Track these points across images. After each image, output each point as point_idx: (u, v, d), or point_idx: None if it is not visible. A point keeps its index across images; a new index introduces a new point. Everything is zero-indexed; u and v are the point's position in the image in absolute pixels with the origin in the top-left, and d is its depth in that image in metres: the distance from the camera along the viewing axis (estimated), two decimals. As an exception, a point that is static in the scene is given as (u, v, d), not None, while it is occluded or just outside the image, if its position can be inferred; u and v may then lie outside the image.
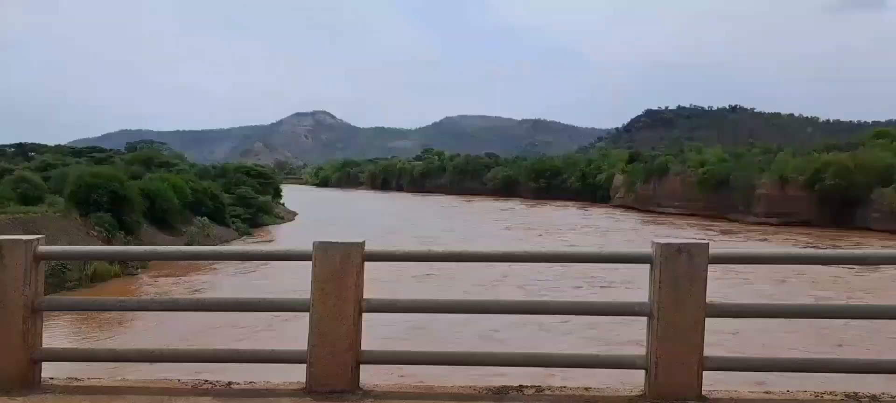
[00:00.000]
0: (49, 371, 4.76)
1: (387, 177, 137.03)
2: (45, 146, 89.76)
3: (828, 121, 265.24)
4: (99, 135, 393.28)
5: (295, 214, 66.65)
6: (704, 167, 64.33)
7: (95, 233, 29.35)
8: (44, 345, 4.62)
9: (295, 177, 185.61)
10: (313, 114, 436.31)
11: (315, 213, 68.70)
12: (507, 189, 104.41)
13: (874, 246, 36.19)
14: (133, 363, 7.22)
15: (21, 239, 4.28)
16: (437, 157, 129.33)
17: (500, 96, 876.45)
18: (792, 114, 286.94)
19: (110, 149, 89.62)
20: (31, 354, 4.34)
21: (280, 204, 69.65)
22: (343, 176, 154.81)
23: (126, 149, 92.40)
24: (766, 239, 44.06)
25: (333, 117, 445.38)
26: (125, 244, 30.05)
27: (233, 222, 45.58)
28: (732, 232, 48.74)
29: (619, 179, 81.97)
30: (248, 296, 7.46)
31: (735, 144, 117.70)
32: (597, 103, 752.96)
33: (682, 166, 68.86)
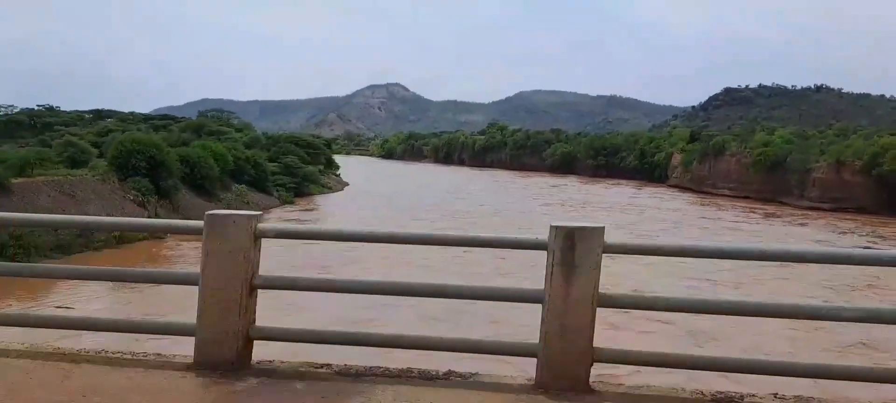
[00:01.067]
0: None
1: (449, 151, 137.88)
2: (120, 112, 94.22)
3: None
4: (183, 103, 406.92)
5: (346, 185, 68.33)
6: (762, 148, 62.26)
7: (131, 197, 31.20)
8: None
9: (362, 148, 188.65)
10: (387, 86, 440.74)
11: (368, 185, 70.27)
12: (565, 165, 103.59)
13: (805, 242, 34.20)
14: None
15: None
16: (499, 132, 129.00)
17: (576, 71, 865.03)
18: (883, 96, 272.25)
19: (182, 117, 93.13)
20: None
21: (334, 174, 71.48)
22: (408, 148, 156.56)
23: (197, 117, 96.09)
24: (803, 224, 42.74)
25: (406, 89, 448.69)
26: (159, 207, 31.86)
27: (277, 190, 47.31)
28: (775, 217, 47.40)
29: (676, 159, 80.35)
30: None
31: (817, 126, 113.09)
32: (677, 80, 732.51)
33: (738, 147, 66.86)
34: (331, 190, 57.85)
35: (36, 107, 76.31)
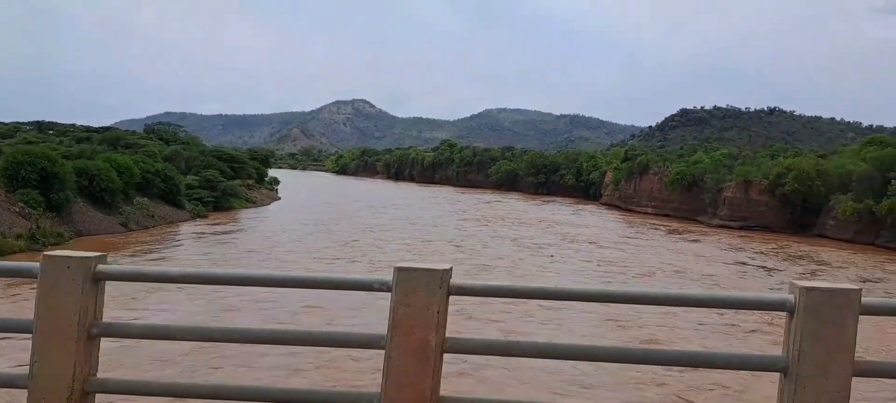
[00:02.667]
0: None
1: (400, 167, 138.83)
2: (61, 124, 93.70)
3: (871, 126, 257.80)
4: (144, 116, 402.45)
5: (277, 199, 68.92)
6: (680, 168, 64.21)
7: (16, 209, 31.51)
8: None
9: (319, 163, 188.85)
10: (352, 102, 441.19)
11: (301, 199, 70.88)
12: (509, 183, 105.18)
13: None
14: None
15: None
16: (448, 149, 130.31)
17: (540, 91, 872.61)
18: (833, 119, 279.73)
19: (133, 131, 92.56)
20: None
21: (266, 188, 72.00)
22: (361, 164, 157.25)
23: (144, 131, 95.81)
24: (697, 240, 44.35)
25: (372, 106, 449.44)
26: (45, 220, 32.17)
27: (192, 204, 47.72)
28: (677, 233, 49.01)
29: (609, 177, 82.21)
30: None
31: (764, 146, 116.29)
32: (638, 100, 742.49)
33: (660, 167, 68.80)
34: (255, 204, 58.34)
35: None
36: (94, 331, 3.90)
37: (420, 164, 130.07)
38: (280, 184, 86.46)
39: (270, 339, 4.38)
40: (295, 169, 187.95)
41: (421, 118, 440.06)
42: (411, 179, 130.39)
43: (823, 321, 3.40)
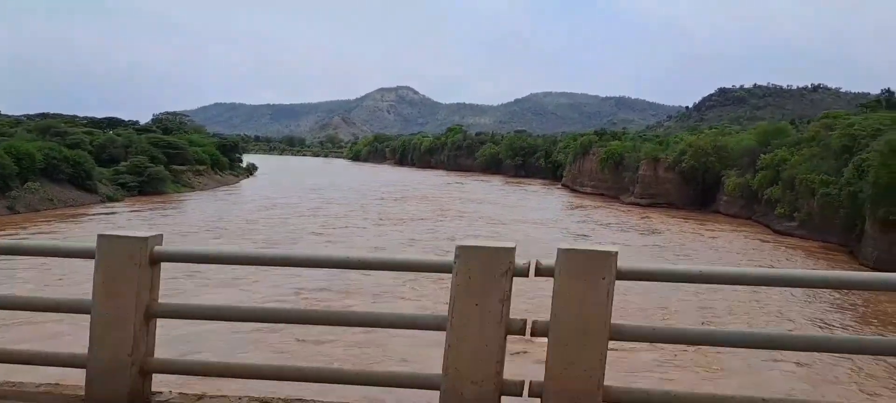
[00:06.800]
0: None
1: (404, 153, 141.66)
2: (61, 116, 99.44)
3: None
4: (196, 107, 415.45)
5: (235, 185, 72.65)
6: (608, 148, 64.97)
7: None
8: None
9: (339, 151, 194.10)
10: (396, 89, 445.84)
11: (266, 186, 74.11)
12: (493, 166, 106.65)
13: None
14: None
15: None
16: (452, 134, 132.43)
17: (586, 73, 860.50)
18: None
19: (75, 117, 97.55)
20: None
21: (229, 174, 75.81)
22: (372, 151, 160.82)
23: (152, 122, 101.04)
24: (584, 220, 45.72)
25: (416, 92, 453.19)
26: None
27: (116, 188, 51.60)
28: (580, 208, 50.36)
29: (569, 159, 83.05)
30: None
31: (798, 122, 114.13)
32: (688, 81, 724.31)
33: (598, 147, 69.57)
34: (194, 189, 61.85)
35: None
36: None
37: (418, 150, 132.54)
38: (257, 170, 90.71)
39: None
40: (317, 156, 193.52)
41: (464, 104, 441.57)
42: (412, 164, 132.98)
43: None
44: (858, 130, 34.22)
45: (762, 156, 44.52)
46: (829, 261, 31.39)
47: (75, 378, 4.01)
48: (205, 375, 4.30)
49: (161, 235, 3.90)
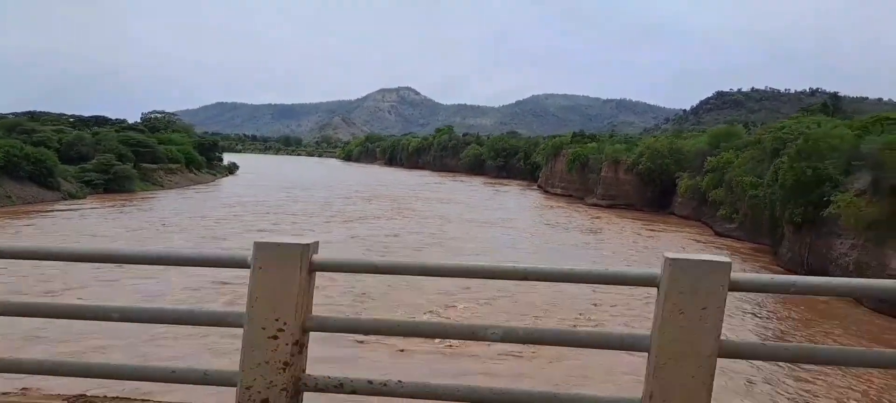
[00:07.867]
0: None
1: (394, 153, 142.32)
2: (51, 114, 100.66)
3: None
4: (197, 106, 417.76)
5: (210, 182, 73.37)
6: (575, 150, 65.43)
7: None
8: None
9: (332, 151, 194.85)
10: (397, 90, 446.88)
11: (242, 186, 75.00)
12: (477, 166, 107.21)
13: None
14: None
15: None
16: (440, 135, 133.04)
17: (588, 75, 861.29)
18: (880, 99, 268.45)
19: (48, 114, 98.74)
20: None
21: (192, 173, 76.43)
22: (364, 151, 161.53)
23: (141, 121, 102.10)
24: (537, 220, 46.22)
25: (417, 93, 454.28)
26: None
27: (80, 186, 52.36)
28: (550, 208, 50.89)
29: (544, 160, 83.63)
30: None
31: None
32: (689, 84, 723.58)
33: (567, 149, 70.05)
34: (162, 187, 62.61)
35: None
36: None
37: (406, 150, 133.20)
38: (239, 169, 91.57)
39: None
40: (312, 155, 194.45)
41: (465, 105, 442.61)
42: (400, 164, 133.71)
43: None
44: (787, 133, 34.59)
45: (709, 158, 44.92)
46: (753, 262, 31.83)
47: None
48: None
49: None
